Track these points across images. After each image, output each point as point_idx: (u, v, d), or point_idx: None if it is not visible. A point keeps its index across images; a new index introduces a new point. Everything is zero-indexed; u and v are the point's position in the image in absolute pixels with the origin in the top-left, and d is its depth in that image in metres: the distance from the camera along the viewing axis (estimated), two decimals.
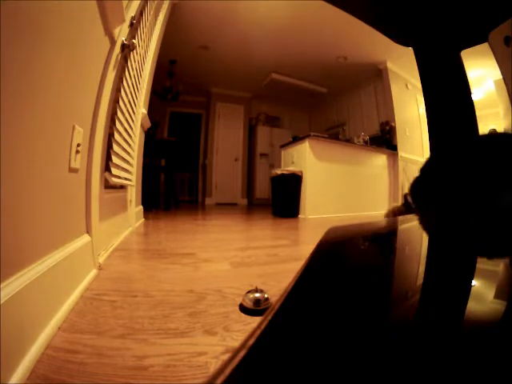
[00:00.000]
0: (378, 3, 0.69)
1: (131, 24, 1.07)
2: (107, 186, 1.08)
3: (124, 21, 0.91)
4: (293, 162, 3.12)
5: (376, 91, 4.04)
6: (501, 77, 0.86)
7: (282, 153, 3.44)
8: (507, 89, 0.84)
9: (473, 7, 0.63)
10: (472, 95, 0.84)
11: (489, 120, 3.42)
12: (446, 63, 0.72)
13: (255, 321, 0.54)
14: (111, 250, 1.05)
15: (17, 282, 0.39)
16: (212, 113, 4.74)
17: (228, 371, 0.09)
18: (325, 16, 2.75)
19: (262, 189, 4.71)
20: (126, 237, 1.38)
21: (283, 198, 2.87)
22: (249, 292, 0.60)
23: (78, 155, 0.67)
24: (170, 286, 0.72)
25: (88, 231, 0.78)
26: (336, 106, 4.90)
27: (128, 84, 1.20)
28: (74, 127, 0.63)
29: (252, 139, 4.99)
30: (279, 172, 2.86)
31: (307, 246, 1.34)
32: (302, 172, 2.87)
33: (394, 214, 1.29)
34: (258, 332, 0.11)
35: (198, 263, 0.94)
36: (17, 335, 0.37)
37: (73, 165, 0.64)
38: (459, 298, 0.16)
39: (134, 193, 1.68)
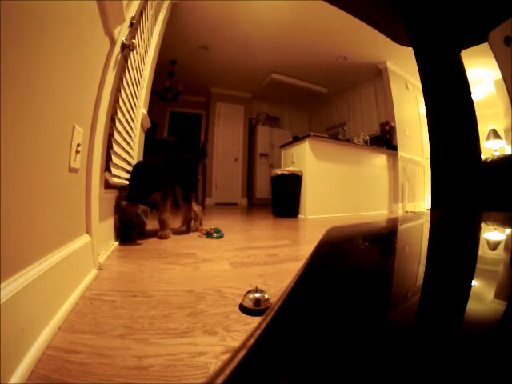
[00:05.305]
0: (378, 3, 0.69)
1: (131, 24, 1.07)
2: (107, 185, 1.08)
3: (124, 21, 0.91)
4: (293, 162, 3.12)
5: (376, 91, 4.04)
6: (501, 77, 0.86)
7: (282, 153, 3.44)
8: (507, 89, 0.84)
9: (473, 7, 0.63)
10: (472, 95, 0.84)
11: (489, 120, 3.43)
12: (445, 63, 0.72)
13: (255, 321, 0.54)
14: (111, 249, 1.05)
15: (17, 282, 0.39)
16: (212, 113, 4.74)
17: (228, 371, 0.09)
18: (325, 16, 2.75)
19: (262, 189, 4.70)
20: None
21: (283, 198, 2.87)
22: (249, 292, 0.60)
23: (78, 155, 0.67)
24: (170, 285, 0.72)
25: (88, 231, 0.78)
26: (336, 106, 4.90)
27: (128, 84, 1.20)
28: (74, 127, 0.63)
29: (252, 139, 4.98)
30: (279, 172, 2.85)
31: (307, 246, 1.34)
32: (301, 172, 2.87)
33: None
34: (258, 332, 0.11)
35: (198, 263, 0.94)
36: (17, 335, 0.37)
37: (73, 165, 0.64)
38: (458, 298, 0.16)
39: None
